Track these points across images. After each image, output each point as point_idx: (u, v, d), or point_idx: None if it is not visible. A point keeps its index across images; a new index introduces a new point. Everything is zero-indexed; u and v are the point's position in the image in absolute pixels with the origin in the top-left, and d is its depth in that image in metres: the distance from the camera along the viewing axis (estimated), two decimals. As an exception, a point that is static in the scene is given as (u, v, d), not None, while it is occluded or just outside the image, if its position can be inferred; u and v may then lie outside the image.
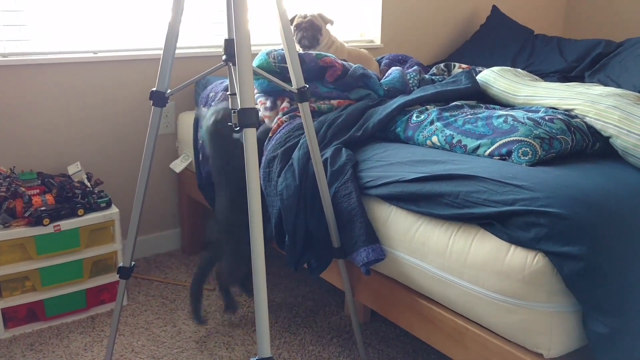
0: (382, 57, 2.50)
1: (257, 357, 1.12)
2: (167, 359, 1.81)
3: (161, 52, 2.52)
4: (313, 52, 2.00)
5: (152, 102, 1.39)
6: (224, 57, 1.39)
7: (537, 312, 1.19)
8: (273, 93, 2.00)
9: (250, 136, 1.16)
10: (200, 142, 2.15)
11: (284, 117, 1.86)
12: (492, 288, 1.25)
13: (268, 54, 1.98)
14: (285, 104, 1.95)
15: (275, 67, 1.95)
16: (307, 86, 1.48)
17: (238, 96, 1.18)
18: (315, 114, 1.88)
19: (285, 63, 1.93)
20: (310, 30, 2.29)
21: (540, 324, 1.19)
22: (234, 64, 1.39)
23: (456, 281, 1.33)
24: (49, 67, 2.17)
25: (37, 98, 2.17)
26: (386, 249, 1.50)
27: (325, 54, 1.98)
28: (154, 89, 1.38)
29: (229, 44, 1.38)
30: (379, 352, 1.84)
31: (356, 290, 1.68)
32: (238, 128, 1.17)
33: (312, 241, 1.65)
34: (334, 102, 1.92)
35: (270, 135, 1.85)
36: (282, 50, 2.01)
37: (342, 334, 1.94)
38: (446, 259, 1.34)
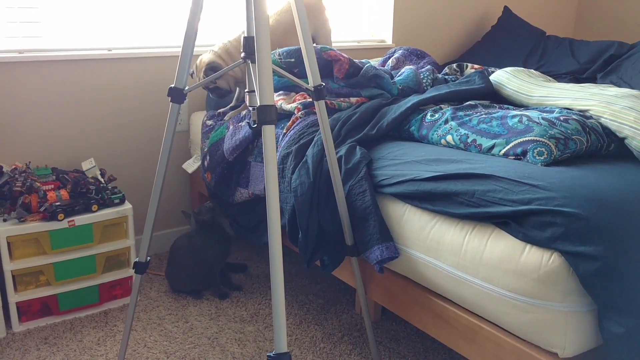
0: (400, 48, 2.49)
1: (274, 352, 1.13)
2: (179, 354, 1.82)
3: (175, 49, 2.51)
4: (317, 45, 2.02)
5: (170, 98, 1.40)
6: (242, 55, 1.40)
7: (552, 312, 1.19)
8: (284, 89, 2.02)
9: (269, 133, 1.16)
10: (205, 150, 2.14)
11: (299, 113, 1.87)
12: (507, 287, 1.25)
13: (273, 51, 2.00)
14: (298, 96, 1.98)
15: (282, 62, 1.97)
16: (324, 84, 1.48)
17: (257, 93, 1.19)
18: (334, 111, 1.89)
19: (290, 58, 1.95)
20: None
21: (555, 324, 1.19)
22: (253, 62, 1.40)
23: (471, 280, 1.33)
24: (64, 64, 2.18)
25: (52, 94, 2.18)
26: (400, 247, 1.51)
27: (329, 47, 2.00)
28: (172, 85, 1.39)
29: (247, 42, 1.38)
30: (389, 350, 1.85)
31: (369, 288, 1.69)
32: (256, 125, 1.17)
33: (326, 238, 1.65)
34: (353, 99, 1.93)
35: (284, 131, 1.86)
36: (288, 47, 2.03)
37: (353, 332, 1.95)
38: (461, 257, 1.34)
